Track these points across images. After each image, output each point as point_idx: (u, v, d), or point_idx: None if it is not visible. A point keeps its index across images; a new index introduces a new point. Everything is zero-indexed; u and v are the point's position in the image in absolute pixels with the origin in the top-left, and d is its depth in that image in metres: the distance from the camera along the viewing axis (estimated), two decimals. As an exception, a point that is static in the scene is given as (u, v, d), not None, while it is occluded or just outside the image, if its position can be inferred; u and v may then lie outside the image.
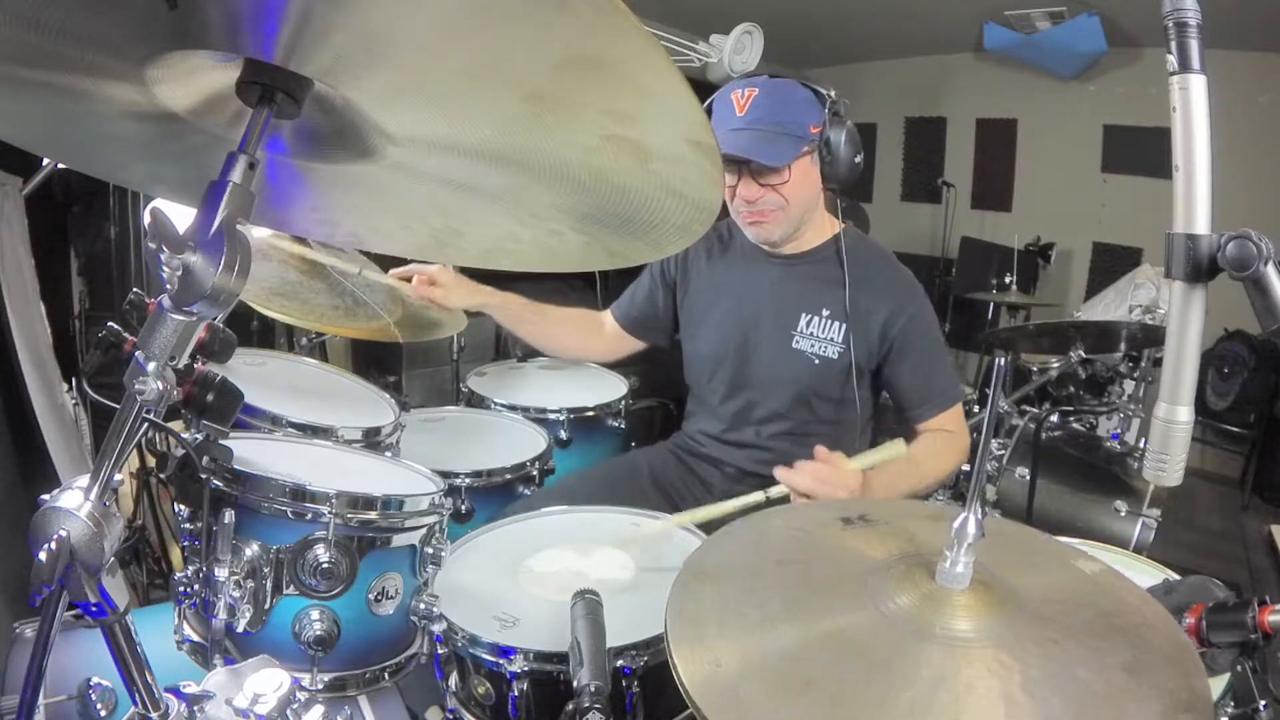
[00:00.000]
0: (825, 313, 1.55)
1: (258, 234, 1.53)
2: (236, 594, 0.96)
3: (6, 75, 0.66)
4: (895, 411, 1.66)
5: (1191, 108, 0.69)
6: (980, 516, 0.69)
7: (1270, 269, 0.67)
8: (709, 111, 1.49)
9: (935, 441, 1.54)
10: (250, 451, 1.08)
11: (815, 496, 1.22)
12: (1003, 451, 2.21)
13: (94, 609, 0.63)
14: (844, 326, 1.53)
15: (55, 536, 0.60)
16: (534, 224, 0.80)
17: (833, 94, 1.48)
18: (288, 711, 0.72)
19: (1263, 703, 0.70)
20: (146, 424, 0.65)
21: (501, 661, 1.01)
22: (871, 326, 1.53)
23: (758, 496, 1.24)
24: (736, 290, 1.64)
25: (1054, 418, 2.41)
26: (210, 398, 0.83)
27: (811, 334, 1.56)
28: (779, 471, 1.26)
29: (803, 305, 1.57)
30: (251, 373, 1.51)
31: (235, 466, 0.97)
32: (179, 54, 0.62)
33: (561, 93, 0.58)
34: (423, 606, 1.09)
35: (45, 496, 0.62)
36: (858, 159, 1.50)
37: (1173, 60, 0.70)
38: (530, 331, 1.86)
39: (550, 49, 0.53)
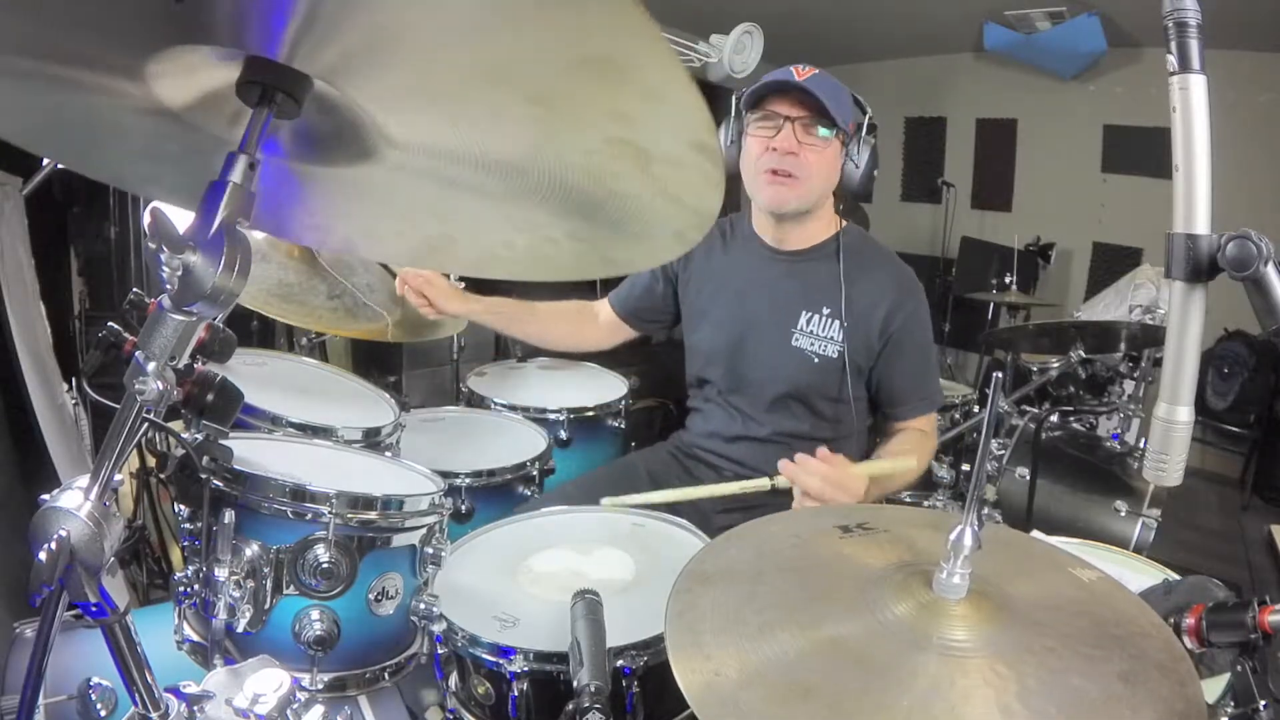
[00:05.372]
0: (825, 311, 1.54)
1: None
2: (236, 594, 0.96)
3: (6, 67, 0.66)
4: (874, 408, 1.64)
5: (1191, 108, 0.69)
6: (978, 528, 0.69)
7: (1270, 269, 0.67)
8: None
9: (912, 440, 1.56)
10: (250, 451, 1.08)
11: (821, 500, 1.19)
12: (1003, 451, 2.21)
13: (94, 609, 0.63)
14: (842, 325, 1.52)
15: (55, 536, 0.60)
16: (529, 230, 0.80)
17: (870, 112, 1.53)
18: (288, 711, 0.72)
19: (1263, 703, 0.70)
20: (146, 424, 0.64)
21: (501, 661, 1.01)
22: (871, 324, 1.52)
23: (763, 483, 1.22)
24: (737, 285, 1.64)
25: (1054, 418, 2.41)
26: (210, 398, 0.83)
27: (811, 332, 1.55)
28: (784, 465, 1.22)
29: (803, 303, 1.56)
30: (251, 373, 1.51)
31: (235, 466, 0.97)
32: (182, 49, 0.62)
33: (568, 94, 0.58)
34: (423, 606, 1.09)
35: (45, 496, 0.62)
36: (875, 171, 1.53)
37: (1173, 60, 0.70)
38: (524, 330, 1.88)
39: (563, 49, 0.53)
